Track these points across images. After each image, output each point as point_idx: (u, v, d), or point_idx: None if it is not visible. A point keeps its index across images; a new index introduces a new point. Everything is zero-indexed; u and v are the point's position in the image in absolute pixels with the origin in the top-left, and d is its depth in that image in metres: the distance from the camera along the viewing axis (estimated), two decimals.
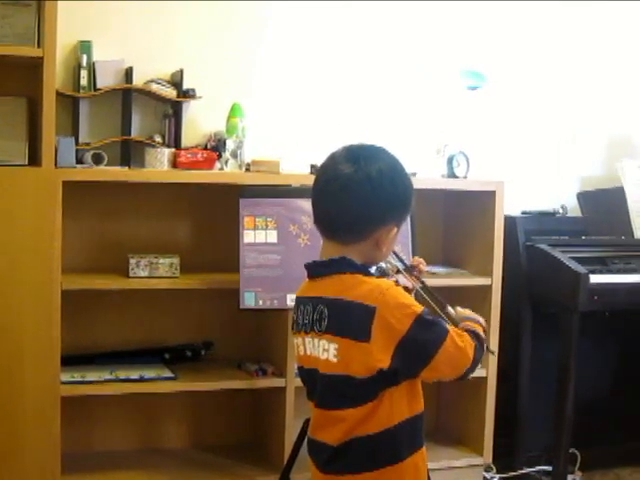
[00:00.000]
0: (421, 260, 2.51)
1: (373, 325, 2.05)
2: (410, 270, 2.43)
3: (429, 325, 2.10)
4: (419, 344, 2.08)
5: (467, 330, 2.22)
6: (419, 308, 2.10)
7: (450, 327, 2.15)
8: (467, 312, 2.37)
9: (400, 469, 2.14)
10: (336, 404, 2.14)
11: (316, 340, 2.17)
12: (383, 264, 2.31)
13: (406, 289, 2.36)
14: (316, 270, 2.23)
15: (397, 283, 2.32)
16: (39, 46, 3.25)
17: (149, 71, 3.72)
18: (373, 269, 2.26)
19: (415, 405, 2.18)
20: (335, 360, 2.12)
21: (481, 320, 2.34)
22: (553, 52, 4.48)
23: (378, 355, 2.06)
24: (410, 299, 2.15)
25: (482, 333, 2.27)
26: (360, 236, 2.16)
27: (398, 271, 2.38)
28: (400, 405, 2.13)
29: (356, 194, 2.12)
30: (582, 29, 4.53)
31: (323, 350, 2.15)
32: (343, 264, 2.15)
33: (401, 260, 2.40)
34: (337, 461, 2.16)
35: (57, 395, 3.31)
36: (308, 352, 2.21)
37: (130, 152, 3.67)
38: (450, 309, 2.38)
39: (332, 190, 2.15)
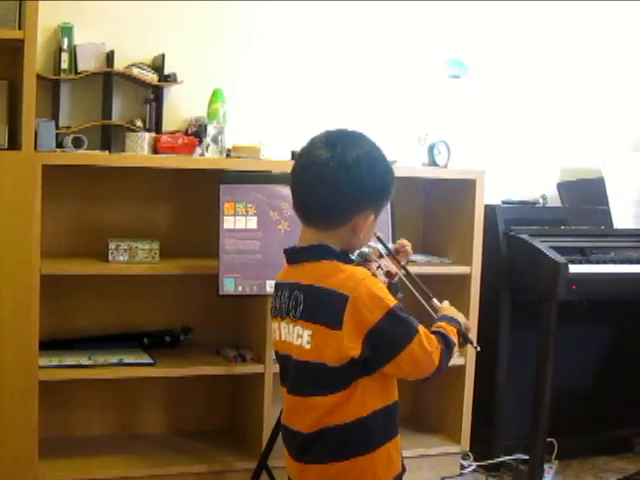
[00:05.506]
0: (405, 242, 2.47)
1: (345, 313, 2.05)
2: (393, 254, 2.41)
3: (399, 321, 2.09)
4: (386, 338, 2.07)
5: (437, 333, 2.19)
6: (392, 302, 2.09)
7: (420, 328, 2.12)
8: (450, 310, 2.34)
9: (372, 458, 2.14)
10: (308, 391, 2.14)
11: (291, 326, 2.17)
12: (365, 248, 2.29)
13: (389, 273, 2.35)
14: (295, 256, 2.22)
15: (380, 267, 2.31)
16: (20, 28, 3.22)
17: (130, 55, 3.71)
18: (355, 254, 2.26)
19: (388, 395, 2.18)
20: (308, 347, 2.12)
21: (461, 320, 2.30)
22: (535, 42, 4.48)
23: (349, 343, 2.05)
24: (385, 291, 2.12)
25: (453, 338, 2.22)
26: (336, 223, 2.15)
27: (381, 255, 2.37)
28: (373, 395, 2.13)
29: (331, 182, 2.10)
30: (564, 20, 4.53)
31: (297, 336, 2.15)
32: (321, 251, 2.14)
33: (383, 244, 2.38)
34: (310, 450, 2.16)
35: (35, 379, 3.30)
36: (283, 337, 2.21)
37: (110, 136, 3.66)
38: (435, 301, 2.36)
39: (308, 177, 2.14)
